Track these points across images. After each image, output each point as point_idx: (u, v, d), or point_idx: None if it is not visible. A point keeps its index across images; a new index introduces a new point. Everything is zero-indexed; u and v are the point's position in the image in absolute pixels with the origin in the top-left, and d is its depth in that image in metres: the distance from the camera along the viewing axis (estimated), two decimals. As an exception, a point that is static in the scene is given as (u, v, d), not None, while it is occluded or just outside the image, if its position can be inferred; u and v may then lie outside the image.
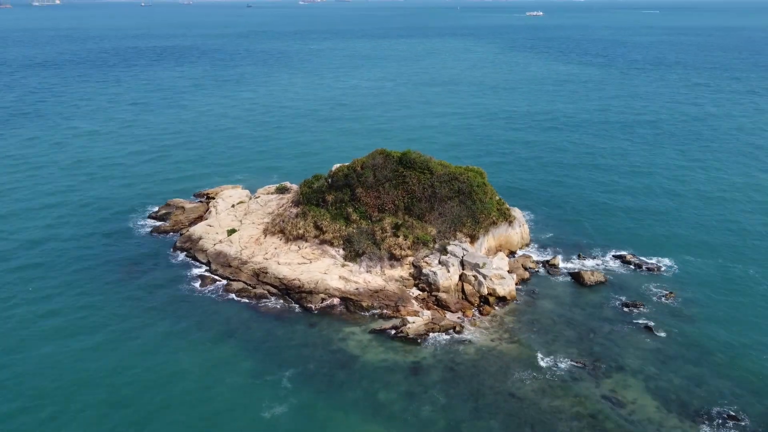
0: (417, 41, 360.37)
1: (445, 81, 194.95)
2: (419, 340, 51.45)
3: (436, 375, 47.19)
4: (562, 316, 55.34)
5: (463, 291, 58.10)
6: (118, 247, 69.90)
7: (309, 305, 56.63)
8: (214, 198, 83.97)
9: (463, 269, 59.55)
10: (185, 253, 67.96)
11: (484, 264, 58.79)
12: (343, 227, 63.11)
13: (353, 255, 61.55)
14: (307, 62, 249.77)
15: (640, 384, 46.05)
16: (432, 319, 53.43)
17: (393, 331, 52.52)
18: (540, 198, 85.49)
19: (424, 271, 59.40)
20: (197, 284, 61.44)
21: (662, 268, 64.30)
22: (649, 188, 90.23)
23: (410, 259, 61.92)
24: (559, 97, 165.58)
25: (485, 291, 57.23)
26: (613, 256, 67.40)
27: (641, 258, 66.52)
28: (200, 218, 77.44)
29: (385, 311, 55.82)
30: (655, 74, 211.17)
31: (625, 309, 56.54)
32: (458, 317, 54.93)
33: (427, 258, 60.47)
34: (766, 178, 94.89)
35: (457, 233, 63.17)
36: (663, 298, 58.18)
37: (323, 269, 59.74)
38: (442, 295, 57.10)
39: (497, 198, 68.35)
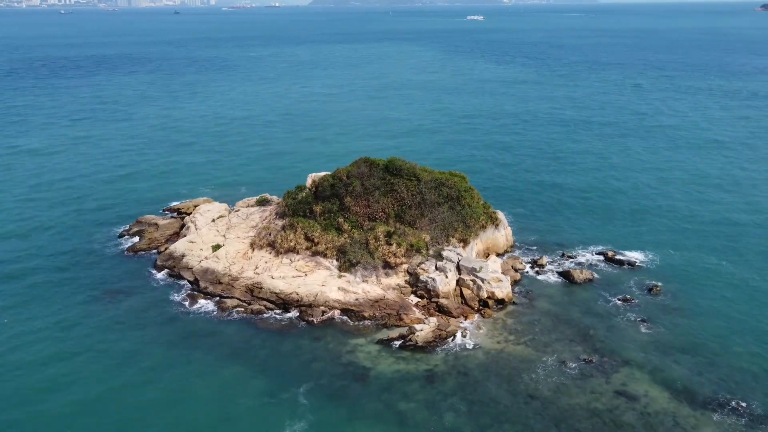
0: (360, 46, 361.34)
1: (398, 85, 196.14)
2: (428, 348, 51.56)
3: (451, 382, 47.39)
4: (560, 316, 56.69)
5: (462, 296, 58.63)
6: (94, 270, 66.66)
7: (310, 318, 55.76)
8: (187, 213, 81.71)
9: (459, 274, 60.10)
10: (168, 271, 65.60)
11: (481, 268, 59.56)
12: (336, 238, 62.52)
13: (348, 265, 61.06)
14: (253, 70, 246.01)
15: (647, 377, 47.69)
16: (438, 325, 53.63)
17: (400, 341, 52.42)
18: (512, 199, 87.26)
19: (421, 278, 59.60)
20: (187, 303, 59.40)
21: (642, 263, 66.90)
22: (613, 185, 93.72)
23: (405, 266, 61.99)
24: (508, 98, 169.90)
25: (485, 295, 57.97)
26: (595, 253, 69.65)
27: (621, 253, 69.01)
28: (176, 235, 75.07)
29: (387, 320, 55.64)
30: (600, 75, 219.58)
31: (618, 304, 58.50)
32: (461, 322, 55.36)
33: (423, 265, 60.69)
34: (719, 170, 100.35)
35: (450, 238, 63.68)
36: (650, 292, 60.54)
37: (320, 281, 58.98)
38: (443, 301, 57.43)
39: (482, 202, 69.39)
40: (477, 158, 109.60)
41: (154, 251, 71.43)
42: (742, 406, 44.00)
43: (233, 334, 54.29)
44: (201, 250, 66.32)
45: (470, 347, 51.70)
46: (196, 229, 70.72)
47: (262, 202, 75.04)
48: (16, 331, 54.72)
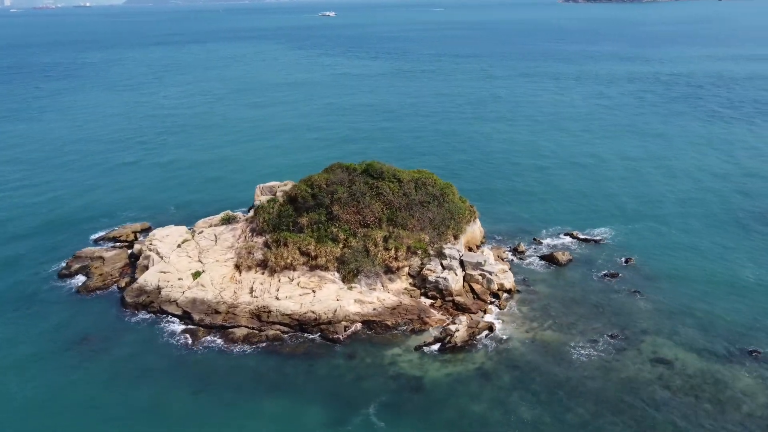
0: (213, 47, 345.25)
1: (277, 87, 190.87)
2: (466, 347, 51.83)
3: (507, 377, 48.15)
4: (565, 298, 59.73)
5: (472, 290, 59.50)
6: (50, 319, 57.86)
7: (335, 336, 53.33)
8: (128, 241, 73.79)
9: (464, 270, 60.88)
10: (145, 309, 58.84)
11: (485, 261, 60.86)
12: (335, 249, 60.20)
13: (352, 276, 59.21)
14: (104, 77, 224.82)
15: (669, 342, 52.08)
16: (469, 323, 54.03)
17: (437, 344, 52.10)
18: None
19: (430, 278, 59.52)
20: (188, 341, 53.82)
21: (604, 239, 72.52)
22: (540, 167, 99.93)
23: (406, 269, 61.50)
24: (391, 92, 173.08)
25: (495, 287, 59.37)
26: (562, 234, 74.16)
27: (583, 232, 74.20)
28: (128, 267, 67.56)
29: (412, 326, 54.94)
30: (474, 64, 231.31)
31: (607, 280, 63.00)
32: (481, 317, 56.25)
33: (428, 266, 60.58)
34: (635, 147, 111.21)
35: (443, 236, 64.12)
36: (627, 265, 65.93)
37: (333, 296, 56.53)
38: (459, 299, 57.90)
39: (458, 196, 70.64)
40: (404, 147, 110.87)
41: (114, 288, 63.69)
42: (759, 353, 49.83)
43: (259, 366, 50.29)
44: (179, 279, 60.30)
45: (504, 340, 52.82)
46: (162, 257, 64.03)
47: (228, 221, 69.82)
48: (-5, 404, 46.07)
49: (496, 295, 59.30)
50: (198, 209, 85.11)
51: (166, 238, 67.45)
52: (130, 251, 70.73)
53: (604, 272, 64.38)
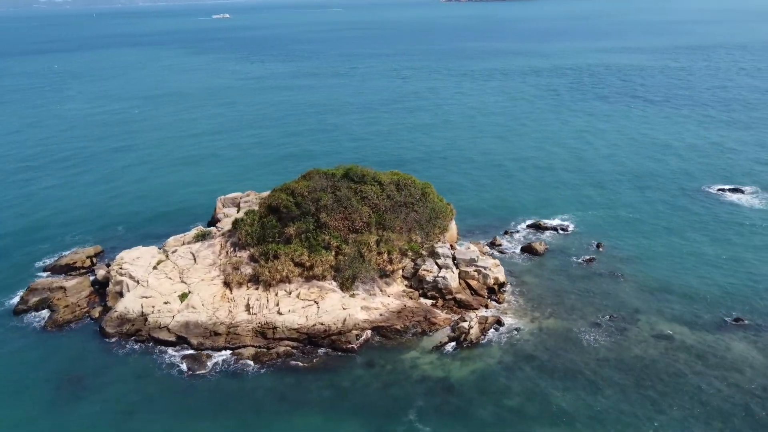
0: (101, 54, 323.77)
1: (186, 93, 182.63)
2: (481, 343, 52.55)
3: (529, 367, 49.31)
4: (554, 286, 62.00)
5: (469, 287, 60.32)
6: (23, 360, 52.33)
7: (348, 346, 52.20)
8: (84, 268, 68.21)
9: (457, 267, 61.58)
10: (131, 338, 54.63)
11: (478, 257, 61.90)
12: (329, 257, 58.85)
13: (350, 283, 58.21)
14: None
15: (661, 318, 55.55)
16: (479, 320, 54.74)
17: (453, 343, 52.42)
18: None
19: (428, 278, 59.70)
20: (191, 367, 50.54)
21: (570, 226, 76.04)
22: (485, 162, 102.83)
23: (400, 272, 61.37)
24: (310, 91, 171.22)
25: (491, 282, 60.53)
26: (528, 225, 76.84)
27: (548, 221, 77.36)
28: (94, 295, 62.52)
29: (421, 328, 54.86)
30: (372, 63, 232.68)
31: (586, 265, 66.11)
32: (484, 312, 57.22)
33: (424, 266, 60.70)
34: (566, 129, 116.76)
35: (431, 235, 64.49)
36: (599, 250, 69.50)
37: (338, 305, 55.23)
38: (459, 296, 58.53)
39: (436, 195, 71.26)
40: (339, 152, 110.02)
41: (87, 319, 58.63)
42: (743, 320, 54.33)
43: (277, 385, 48.23)
44: (166, 303, 56.47)
45: (514, 332, 54.06)
46: (138, 281, 59.65)
47: (203, 237, 66.14)
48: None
49: (491, 290, 60.48)
50: (150, 228, 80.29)
51: (137, 260, 62.87)
52: (92, 278, 65.41)
53: (580, 258, 67.47)
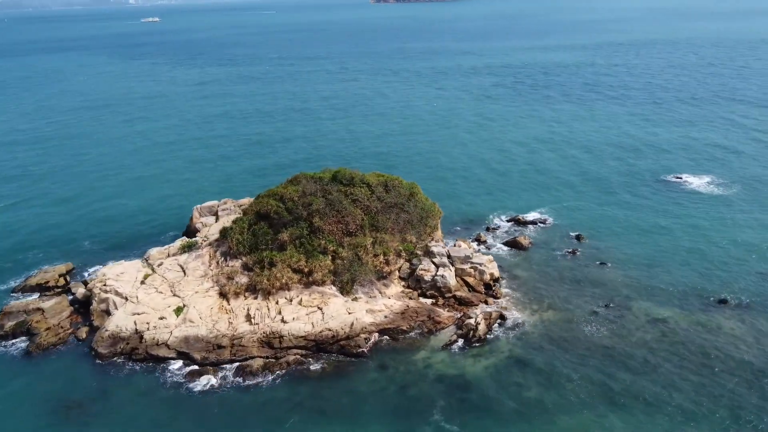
0: (21, 61, 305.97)
1: (126, 100, 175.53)
2: (489, 339, 53.20)
3: (539, 360, 50.24)
4: (546, 278, 63.47)
5: (466, 284, 60.91)
6: (13, 389, 49.00)
7: (359, 350, 51.70)
8: (58, 287, 64.58)
9: (453, 265, 62.06)
10: (128, 357, 52.13)
11: (472, 254, 62.61)
12: (328, 262, 58.07)
13: (349, 286, 57.68)
14: None
15: (652, 303, 57.82)
16: (483, 316, 55.33)
17: (462, 340, 52.81)
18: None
19: (426, 278, 59.90)
20: (200, 383, 48.74)
21: (548, 219, 78.08)
22: (450, 160, 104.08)
23: (396, 273, 61.34)
24: (256, 96, 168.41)
25: (488, 278, 61.35)
26: (507, 221, 78.35)
27: (526, 216, 79.14)
28: (75, 315, 59.42)
29: (427, 327, 54.98)
30: (309, 66, 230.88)
31: (572, 256, 68.04)
32: (485, 308, 57.95)
33: (422, 266, 60.85)
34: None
35: (423, 235, 64.72)
36: (580, 241, 71.67)
37: (343, 310, 54.58)
38: (459, 294, 59.03)
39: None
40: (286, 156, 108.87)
41: (72, 341, 55.53)
42: (727, 301, 57.37)
43: (293, 395, 47.18)
44: (161, 319, 54.22)
45: (517, 325, 55.01)
46: (126, 297, 56.98)
47: (189, 248, 63.83)
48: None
49: (488, 286, 61.31)
50: (119, 241, 76.96)
51: (121, 275, 60.07)
52: (70, 297, 62.04)
53: (564, 250, 69.38)
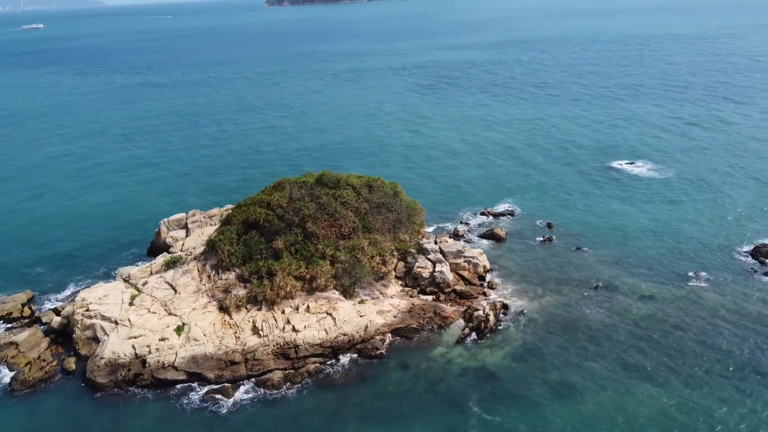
0: None
1: (21, 117, 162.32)
2: (500, 329, 54.48)
3: (552, 344, 52.05)
4: (531, 266, 65.68)
5: (462, 278, 61.93)
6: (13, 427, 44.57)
7: (377, 352, 51.32)
8: (25, 317, 59.44)
9: (446, 260, 62.88)
10: (131, 385, 48.76)
11: (464, 248, 63.73)
12: (329, 267, 57.08)
13: (352, 289, 57.07)
14: None
15: (636, 281, 61.36)
16: (490, 307, 56.49)
17: (473, 333, 53.72)
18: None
19: (424, 275, 60.36)
20: (221, 403, 46.46)
21: (517, 210, 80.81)
22: (403, 157, 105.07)
23: (393, 272, 61.38)
24: (169, 104, 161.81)
25: (481, 270, 62.70)
26: (479, 214, 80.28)
27: (494, 208, 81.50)
28: (54, 346, 54.85)
29: (436, 323, 55.44)
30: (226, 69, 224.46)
31: (547, 245, 70.89)
32: (487, 298, 59.27)
33: (418, 263, 61.21)
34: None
35: (413, 233, 65.10)
36: (552, 229, 74.78)
37: (354, 313, 53.89)
38: (458, 288, 59.95)
39: (401, 194, 71.76)
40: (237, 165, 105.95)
41: (59, 373, 51.14)
42: (698, 273, 62.07)
43: (322, 403, 46.19)
44: (162, 340, 51.10)
45: (521, 313, 56.69)
46: (117, 322, 53.20)
47: (174, 263, 60.41)
48: None
49: (481, 278, 62.70)
50: (77, 263, 71.83)
51: (105, 298, 55.95)
52: (42, 327, 57.07)
53: (539, 239, 72.19)
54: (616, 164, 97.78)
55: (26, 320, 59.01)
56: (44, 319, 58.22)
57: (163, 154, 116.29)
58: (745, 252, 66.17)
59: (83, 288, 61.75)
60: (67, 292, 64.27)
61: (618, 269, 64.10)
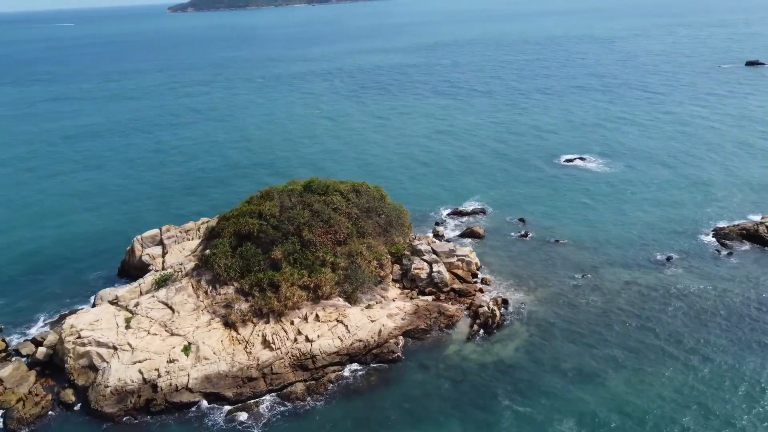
0: None
1: None
2: (505, 324, 55.84)
3: (557, 333, 53.73)
4: (517, 261, 67.56)
5: (457, 276, 62.92)
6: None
7: (394, 356, 51.30)
8: (3, 351, 54.79)
9: (441, 260, 63.67)
10: (144, 412, 46.17)
11: (456, 247, 64.76)
12: (332, 274, 56.37)
13: (355, 295, 56.73)
14: None
15: (618, 268, 64.44)
16: (493, 303, 57.73)
17: (482, 329, 54.78)
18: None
19: (422, 276, 60.86)
20: (249, 421, 44.89)
21: (488, 209, 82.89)
22: (357, 160, 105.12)
23: (390, 276, 61.52)
24: (91, 114, 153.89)
25: (474, 268, 63.94)
26: (449, 214, 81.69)
27: (465, 207, 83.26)
28: (45, 380, 51.15)
29: (442, 323, 56.07)
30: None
31: (528, 239, 73.21)
32: (486, 295, 60.56)
33: (415, 265, 61.59)
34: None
35: (405, 236, 65.41)
36: (525, 224, 77.35)
37: (365, 319, 53.46)
38: (456, 286, 60.88)
39: (384, 197, 71.78)
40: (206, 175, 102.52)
41: (57, 407, 47.60)
42: (672, 257, 66.25)
43: (351, 412, 45.59)
44: (171, 362, 48.66)
45: (521, 307, 58.39)
46: (116, 347, 50.09)
47: (165, 281, 57.47)
48: None
49: (474, 275, 63.97)
50: (38, 290, 66.63)
51: (96, 323, 52.48)
52: (24, 359, 52.84)
53: (517, 234, 74.52)
54: (564, 160, 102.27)
55: (1, 354, 54.30)
56: (24, 352, 53.88)
57: (102, 172, 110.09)
58: (708, 234, 71.39)
59: (61, 314, 58.01)
60: (39, 323, 59.69)
61: (598, 258, 67.28)
